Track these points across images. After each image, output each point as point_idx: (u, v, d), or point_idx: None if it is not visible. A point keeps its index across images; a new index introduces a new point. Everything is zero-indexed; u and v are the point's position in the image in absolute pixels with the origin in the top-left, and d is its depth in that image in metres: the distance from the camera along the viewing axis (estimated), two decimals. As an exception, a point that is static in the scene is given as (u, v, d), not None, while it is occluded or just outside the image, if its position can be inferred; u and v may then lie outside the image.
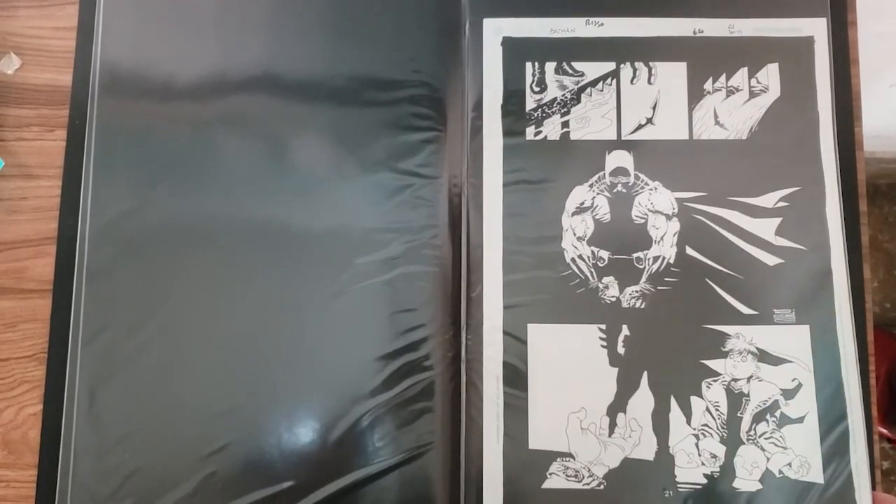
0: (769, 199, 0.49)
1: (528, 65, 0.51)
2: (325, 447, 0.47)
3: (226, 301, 0.48)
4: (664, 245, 0.48)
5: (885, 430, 1.07)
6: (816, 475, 0.46)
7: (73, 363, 0.48)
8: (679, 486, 0.46)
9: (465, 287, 0.48)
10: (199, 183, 0.50)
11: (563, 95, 0.50)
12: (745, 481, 0.46)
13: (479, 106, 0.50)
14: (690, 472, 0.46)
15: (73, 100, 0.51)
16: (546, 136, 0.50)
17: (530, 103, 0.50)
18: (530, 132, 0.50)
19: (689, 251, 0.48)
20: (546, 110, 0.50)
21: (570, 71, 0.51)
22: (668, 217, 0.49)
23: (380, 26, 0.52)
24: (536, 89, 0.50)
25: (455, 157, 0.50)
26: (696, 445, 0.46)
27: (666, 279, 0.48)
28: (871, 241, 1.16)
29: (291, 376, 0.48)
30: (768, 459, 0.46)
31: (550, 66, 0.51)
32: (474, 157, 0.50)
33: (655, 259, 0.48)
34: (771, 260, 0.48)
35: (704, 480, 0.46)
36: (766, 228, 0.49)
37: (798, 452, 0.46)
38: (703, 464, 0.46)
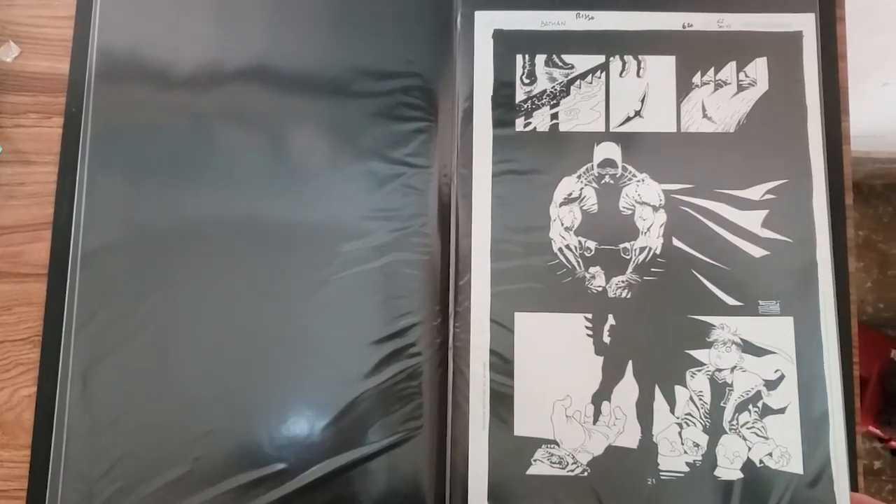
0: (756, 192, 0.49)
1: (519, 57, 0.51)
2: (314, 431, 0.47)
3: (218, 287, 0.49)
4: (651, 236, 0.49)
5: (876, 430, 1.07)
6: (796, 466, 0.47)
7: (66, 346, 0.48)
8: (662, 473, 0.47)
9: (453, 275, 0.49)
10: (193, 171, 0.50)
11: (552, 87, 0.51)
12: (727, 470, 0.47)
13: (469, 97, 0.51)
14: (673, 460, 0.47)
15: (70, 87, 0.52)
16: (535, 128, 0.50)
17: (520, 95, 0.51)
18: (520, 123, 0.50)
19: (676, 242, 0.49)
20: (535, 102, 0.51)
21: (560, 63, 0.51)
22: (655, 208, 0.49)
23: (373, 18, 0.52)
24: (526, 81, 0.51)
25: (445, 147, 0.51)
26: (680, 434, 0.47)
27: (652, 270, 0.49)
28: (866, 242, 1.16)
29: (282, 361, 0.48)
30: (750, 449, 0.47)
31: (540, 59, 0.51)
32: (464, 147, 0.50)
33: (642, 250, 0.49)
34: (757, 252, 0.49)
35: (686, 469, 0.47)
36: (752, 220, 0.49)
37: (779, 443, 0.47)
38: (685, 452, 0.47)
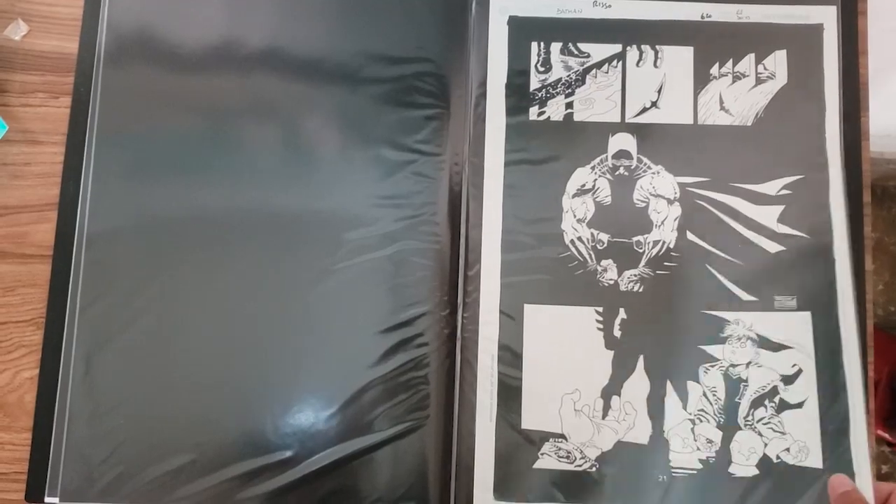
0: (772, 187, 0.49)
1: (534, 44, 0.50)
2: (319, 420, 0.47)
3: (223, 273, 0.48)
4: (665, 229, 0.48)
5: (885, 434, 1.06)
6: (815, 460, 0.46)
7: (70, 329, 0.48)
8: (673, 470, 0.46)
9: (462, 265, 0.48)
10: (200, 156, 0.50)
11: (567, 76, 0.50)
12: (742, 467, 0.46)
13: (483, 84, 0.50)
14: (685, 456, 0.46)
15: (78, 67, 0.51)
16: (549, 117, 0.50)
17: (534, 83, 0.50)
18: (533, 112, 0.50)
19: (690, 236, 0.48)
20: (550, 90, 0.50)
21: (576, 52, 0.50)
22: (670, 201, 0.49)
23: (386, 2, 0.51)
24: (541, 69, 0.50)
25: (457, 134, 0.50)
26: (692, 430, 0.46)
27: (665, 263, 0.48)
28: (878, 244, 1.15)
29: (287, 349, 0.48)
30: (766, 445, 0.46)
31: (556, 47, 0.50)
32: (477, 135, 0.49)
33: (655, 243, 0.48)
34: (772, 247, 0.48)
35: (700, 466, 0.46)
36: (768, 215, 0.48)
37: (797, 438, 0.46)
38: (698, 449, 0.46)
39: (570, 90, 0.50)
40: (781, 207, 0.48)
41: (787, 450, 0.46)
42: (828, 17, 0.51)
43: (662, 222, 0.48)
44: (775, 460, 0.46)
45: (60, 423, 0.47)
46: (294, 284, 0.48)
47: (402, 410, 0.47)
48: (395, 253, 0.48)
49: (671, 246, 0.48)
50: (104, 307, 0.48)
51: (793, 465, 0.46)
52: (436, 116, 0.50)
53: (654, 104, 0.50)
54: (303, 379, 0.47)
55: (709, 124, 0.49)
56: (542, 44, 0.50)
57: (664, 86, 0.50)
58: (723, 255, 0.48)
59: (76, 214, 0.49)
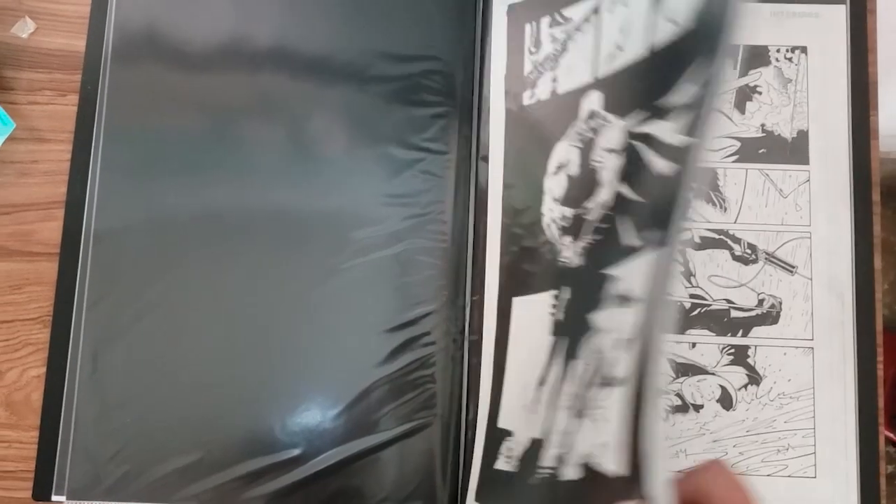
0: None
1: (528, 27, 0.48)
2: (326, 419, 0.47)
3: (230, 271, 0.48)
4: (607, 186, 0.40)
5: (890, 434, 1.06)
6: (616, 463, 0.32)
7: (77, 327, 0.48)
8: (539, 471, 0.39)
9: (470, 263, 0.48)
10: (207, 154, 0.50)
11: (554, 49, 0.47)
12: (542, 470, 0.38)
13: (487, 79, 0.49)
14: (519, 451, 0.41)
15: (85, 65, 0.51)
16: (539, 98, 0.47)
17: (528, 66, 0.48)
18: (527, 97, 0.48)
19: (620, 186, 0.39)
20: (539, 70, 0.47)
21: (561, 19, 0.47)
22: (618, 153, 0.40)
23: (392, 0, 0.51)
24: (533, 50, 0.48)
25: (464, 132, 0.50)
26: (559, 421, 0.39)
27: (598, 226, 0.40)
28: (883, 244, 1.15)
29: (294, 348, 0.48)
30: (574, 440, 0.37)
31: (545, 22, 0.47)
32: (482, 130, 0.49)
33: (598, 206, 0.40)
34: (671, 168, 0.34)
35: (517, 465, 0.40)
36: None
37: (605, 430, 0.34)
38: (531, 444, 0.40)
39: (554, 63, 0.47)
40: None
41: (592, 447, 0.34)
42: None
43: (609, 179, 0.40)
44: (572, 462, 0.36)
45: (67, 421, 0.47)
46: (301, 283, 0.48)
47: (408, 409, 0.47)
48: (402, 252, 0.48)
49: (609, 203, 0.39)
50: (111, 305, 0.48)
51: (593, 471, 0.34)
52: (443, 114, 0.50)
53: (619, 47, 0.41)
54: (309, 378, 0.47)
55: (663, 45, 0.38)
56: (533, 24, 0.48)
57: (631, 21, 0.41)
58: (634, 197, 0.37)
59: (83, 212, 0.49)
